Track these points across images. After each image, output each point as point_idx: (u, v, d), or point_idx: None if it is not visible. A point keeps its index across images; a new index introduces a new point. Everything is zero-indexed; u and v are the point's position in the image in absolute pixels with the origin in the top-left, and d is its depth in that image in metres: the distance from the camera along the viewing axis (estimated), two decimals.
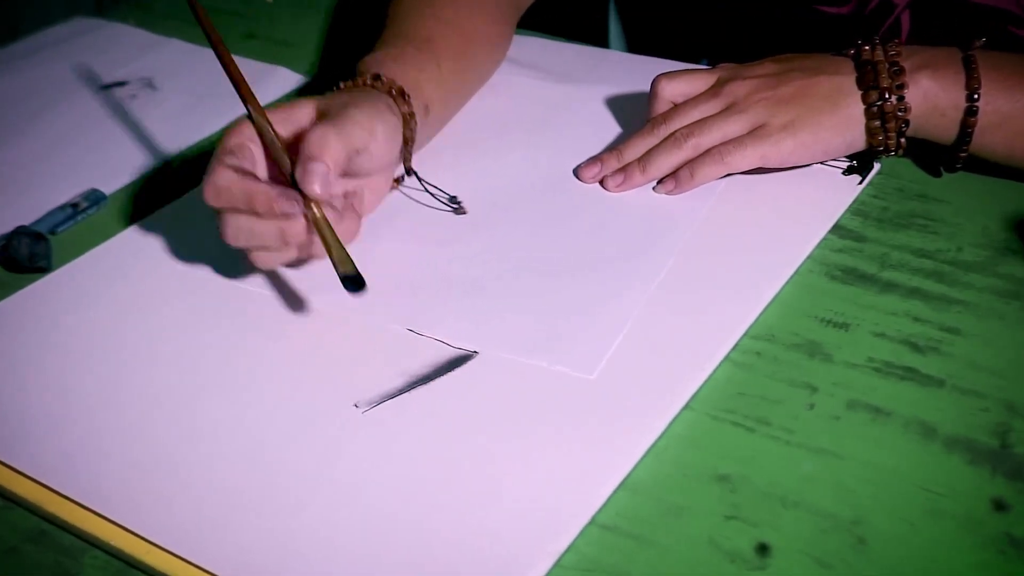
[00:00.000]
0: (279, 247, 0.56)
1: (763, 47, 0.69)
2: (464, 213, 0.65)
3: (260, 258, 0.57)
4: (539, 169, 0.68)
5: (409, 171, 0.65)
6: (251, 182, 0.54)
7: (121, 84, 0.86)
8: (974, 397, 0.50)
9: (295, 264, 0.59)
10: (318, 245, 0.55)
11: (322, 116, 0.58)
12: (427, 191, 0.66)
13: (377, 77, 0.63)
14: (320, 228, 0.54)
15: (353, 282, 0.53)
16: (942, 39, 0.63)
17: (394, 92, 0.62)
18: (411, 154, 0.65)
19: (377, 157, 0.58)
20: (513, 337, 0.55)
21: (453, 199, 0.66)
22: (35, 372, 0.56)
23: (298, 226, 0.55)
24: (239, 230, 0.55)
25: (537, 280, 0.59)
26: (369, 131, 0.57)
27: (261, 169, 0.58)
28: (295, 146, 0.56)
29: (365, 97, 0.60)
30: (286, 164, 0.56)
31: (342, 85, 0.63)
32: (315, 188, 0.53)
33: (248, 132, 0.57)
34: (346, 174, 0.58)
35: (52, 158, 0.77)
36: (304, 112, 0.59)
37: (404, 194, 0.67)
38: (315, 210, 0.54)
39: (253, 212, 0.54)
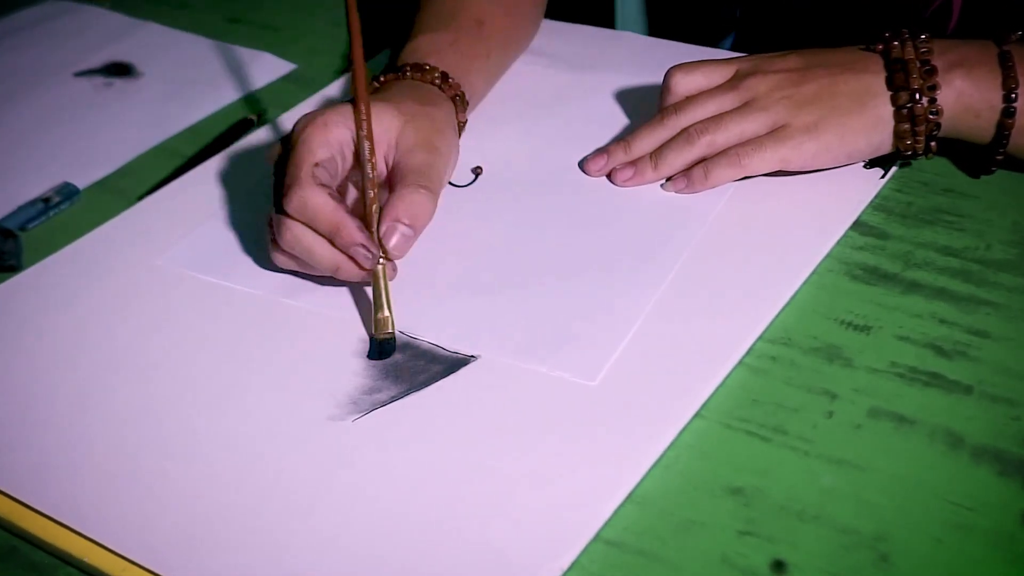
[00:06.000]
0: (322, 271, 0.57)
1: (796, 23, 0.67)
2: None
3: (291, 264, 0.58)
4: (543, 162, 0.68)
5: None
6: (343, 213, 0.55)
7: (95, 71, 0.86)
8: (1004, 404, 0.50)
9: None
10: (344, 273, 0.56)
11: (405, 152, 0.59)
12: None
13: (445, 78, 0.65)
14: (377, 283, 0.56)
15: (382, 351, 0.55)
16: (992, 23, 0.62)
17: (457, 98, 0.65)
18: None
19: None
20: (511, 340, 0.55)
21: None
22: (3, 378, 0.56)
23: (354, 270, 0.56)
24: (299, 243, 0.56)
25: (537, 280, 0.59)
26: (447, 179, 0.62)
27: (338, 181, 0.59)
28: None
29: (445, 124, 0.62)
30: (373, 205, 0.57)
31: (408, 72, 0.65)
32: (397, 253, 0.56)
33: (337, 142, 0.58)
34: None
35: (22, 150, 0.77)
36: (388, 128, 0.59)
37: None
38: (379, 266, 0.56)
39: (326, 236, 0.55)
